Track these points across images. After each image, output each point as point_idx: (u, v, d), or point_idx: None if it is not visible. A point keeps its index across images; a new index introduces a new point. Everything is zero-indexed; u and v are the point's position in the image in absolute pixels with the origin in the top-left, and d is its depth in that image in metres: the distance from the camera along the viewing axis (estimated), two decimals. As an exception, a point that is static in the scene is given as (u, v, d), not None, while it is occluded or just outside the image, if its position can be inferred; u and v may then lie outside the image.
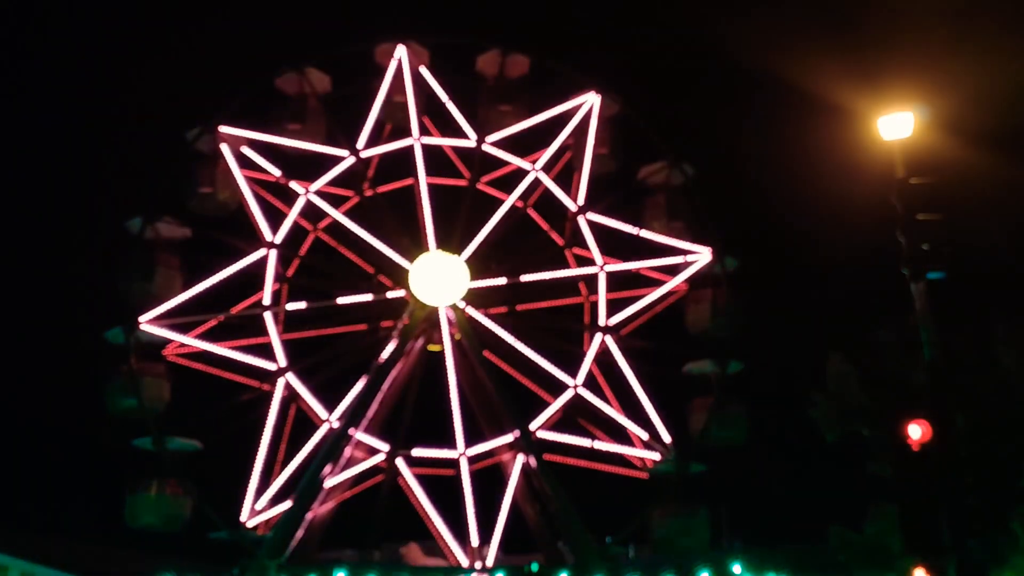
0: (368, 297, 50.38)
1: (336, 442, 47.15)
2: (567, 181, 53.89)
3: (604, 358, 50.98)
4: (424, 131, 53.86)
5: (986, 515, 33.43)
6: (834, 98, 31.47)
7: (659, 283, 52.38)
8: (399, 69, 52.93)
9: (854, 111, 25.26)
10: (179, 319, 48.72)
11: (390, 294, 50.38)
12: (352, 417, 47.66)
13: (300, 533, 46.55)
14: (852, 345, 44.65)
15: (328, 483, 47.47)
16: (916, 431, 19.71)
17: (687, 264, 51.58)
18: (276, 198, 52.01)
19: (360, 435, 47.92)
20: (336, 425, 47.81)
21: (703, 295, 51.57)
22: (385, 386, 49.35)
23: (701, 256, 51.30)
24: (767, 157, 72.70)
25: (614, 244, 52.79)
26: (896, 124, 22.16)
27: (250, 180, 51.21)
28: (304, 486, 46.59)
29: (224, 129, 50.71)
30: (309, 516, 47.30)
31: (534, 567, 43.19)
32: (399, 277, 50.19)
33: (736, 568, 46.69)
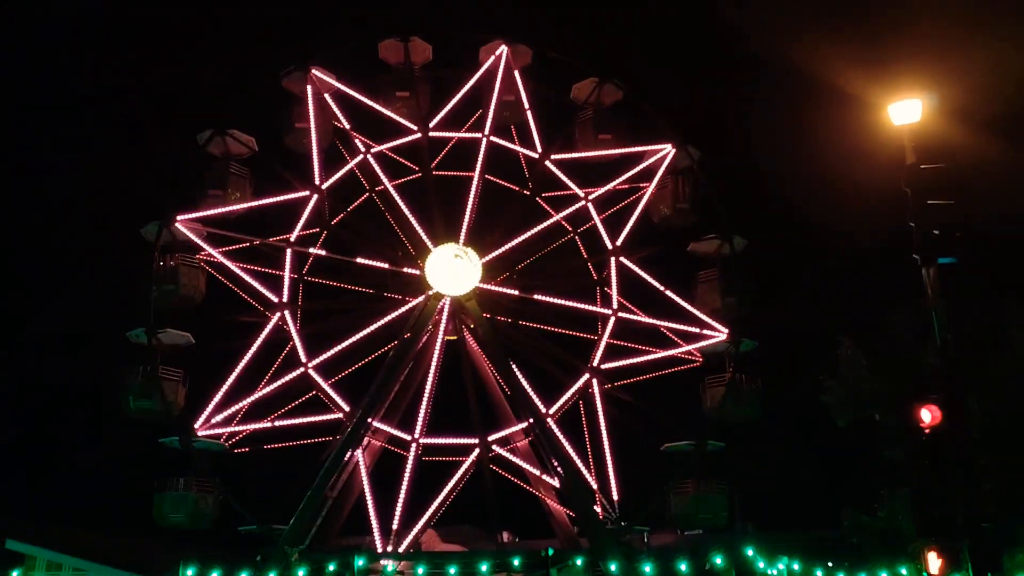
0: (384, 265, 51.67)
1: (356, 430, 48.24)
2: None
3: (592, 400, 50.48)
4: (506, 133, 54.65)
5: (1000, 498, 33.70)
6: (844, 84, 31.19)
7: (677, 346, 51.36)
8: (495, 65, 53.90)
9: (864, 97, 25.25)
10: (215, 230, 51.38)
11: (405, 269, 51.48)
12: (370, 404, 48.82)
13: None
14: (863, 330, 45.15)
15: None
16: (928, 415, 19.75)
17: (702, 336, 50.27)
18: (346, 151, 54.16)
19: (327, 387, 49.28)
20: (312, 372, 49.40)
21: (719, 379, 50.03)
22: (401, 374, 50.58)
23: (717, 335, 49.88)
24: (777, 144, 70.53)
25: (645, 296, 52.21)
26: (906, 110, 22.20)
27: (323, 126, 53.40)
28: (323, 474, 47.53)
29: (316, 72, 53.01)
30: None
31: (550, 552, 43.37)
32: (421, 257, 51.17)
33: (749, 552, 46.08)
